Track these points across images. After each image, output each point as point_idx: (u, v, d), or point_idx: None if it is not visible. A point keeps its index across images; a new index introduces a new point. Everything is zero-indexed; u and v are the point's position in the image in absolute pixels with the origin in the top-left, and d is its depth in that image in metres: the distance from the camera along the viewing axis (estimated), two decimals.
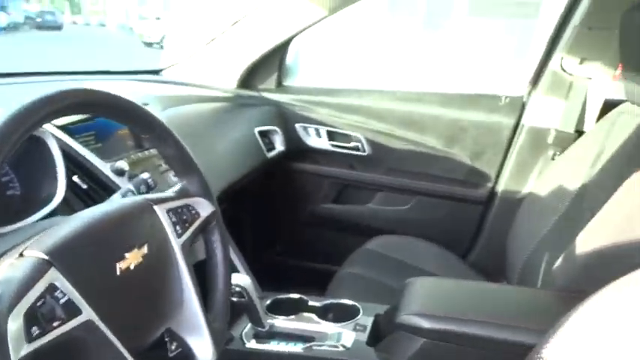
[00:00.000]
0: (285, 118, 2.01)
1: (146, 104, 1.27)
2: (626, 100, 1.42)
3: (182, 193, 0.83)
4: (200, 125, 1.59)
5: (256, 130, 1.84)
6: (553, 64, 1.67)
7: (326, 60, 2.06)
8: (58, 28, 20.05)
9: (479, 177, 1.88)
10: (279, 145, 1.98)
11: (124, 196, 0.85)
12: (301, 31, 1.84)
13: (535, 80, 1.78)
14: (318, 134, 2.02)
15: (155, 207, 0.76)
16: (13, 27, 17.67)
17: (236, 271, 1.31)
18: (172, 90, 1.79)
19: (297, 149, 2.04)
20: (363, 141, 1.96)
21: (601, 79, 1.60)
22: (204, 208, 0.86)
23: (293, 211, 2.10)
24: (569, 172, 1.47)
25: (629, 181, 1.08)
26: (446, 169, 1.91)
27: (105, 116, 0.76)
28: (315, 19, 1.78)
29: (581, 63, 1.60)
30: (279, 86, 2.06)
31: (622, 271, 1.08)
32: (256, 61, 1.93)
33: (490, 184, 1.87)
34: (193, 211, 0.83)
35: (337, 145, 2.01)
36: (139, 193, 0.87)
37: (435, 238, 1.79)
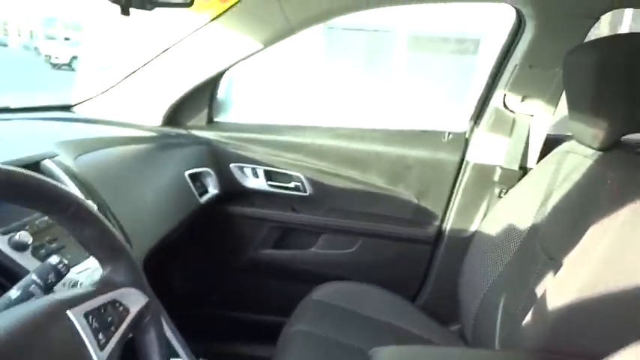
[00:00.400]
0: (218, 158, 1.84)
1: (55, 155, 1.06)
2: (568, 137, 1.42)
3: (106, 286, 0.65)
4: (121, 172, 1.38)
5: (187, 173, 1.65)
6: (495, 100, 1.65)
7: (261, 95, 1.92)
8: None
9: (426, 216, 1.82)
10: (213, 188, 1.80)
11: (24, 294, 0.64)
12: (234, 64, 1.70)
13: (477, 117, 1.75)
14: (255, 174, 1.87)
15: (69, 312, 0.57)
16: None
17: (176, 356, 1.12)
18: (87, 131, 1.56)
19: (233, 191, 1.87)
20: (304, 180, 1.84)
21: (542, 116, 1.61)
22: (136, 300, 0.68)
23: (231, 258, 1.92)
24: (517, 210, 1.44)
25: (594, 231, 1.03)
26: (391, 209, 1.83)
27: None
28: (250, 51, 1.65)
29: (522, 100, 1.60)
30: (210, 123, 1.89)
31: (595, 328, 1.04)
32: (184, 96, 1.75)
33: (437, 223, 1.82)
34: (121, 308, 0.65)
35: (276, 186, 1.87)
36: (46, 286, 0.67)
37: (383, 282, 1.69)
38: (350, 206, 1.86)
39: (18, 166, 0.55)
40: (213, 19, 1.60)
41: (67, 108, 1.77)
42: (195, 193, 1.66)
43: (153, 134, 1.71)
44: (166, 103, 1.76)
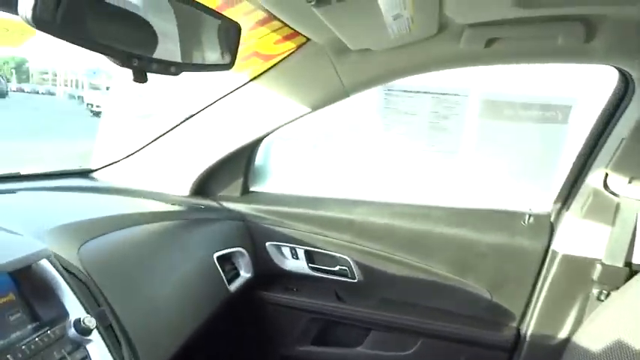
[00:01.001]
0: (253, 235, 1.58)
1: (49, 255, 0.85)
2: None
3: None
4: (136, 261, 1.13)
5: (215, 255, 1.39)
6: (592, 180, 1.35)
7: (304, 162, 1.68)
8: (2, 94, 19.25)
9: (501, 315, 1.49)
10: (245, 271, 1.52)
11: None
12: (276, 129, 1.47)
13: (565, 198, 1.45)
14: (295, 255, 1.59)
15: None
16: None
17: None
18: (102, 205, 1.34)
19: (268, 275, 1.60)
20: (352, 264, 1.55)
21: None
22: None
23: (262, 355, 1.61)
24: (628, 323, 1.10)
25: None
26: (459, 304, 1.51)
27: None
28: (295, 115, 1.41)
29: (630, 182, 1.29)
30: (245, 193, 1.64)
31: None
32: (217, 163, 1.52)
33: (515, 325, 1.48)
34: None
35: (319, 269, 1.59)
36: None
37: None
38: (407, 298, 1.55)
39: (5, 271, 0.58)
40: (253, 78, 1.39)
41: (86, 173, 1.56)
42: (225, 280, 1.39)
43: (179, 208, 1.47)
44: (197, 170, 1.53)
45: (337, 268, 1.57)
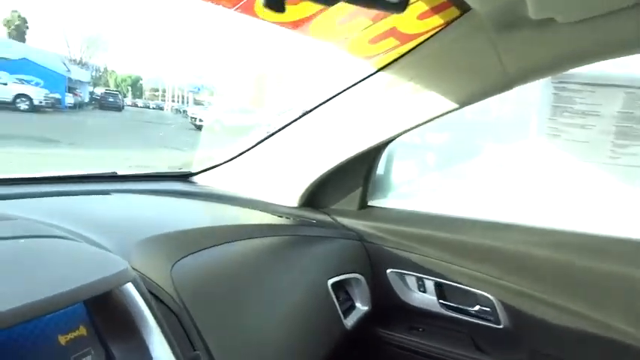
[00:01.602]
0: (372, 259, 1.30)
1: (133, 279, 0.63)
2: None
3: None
4: (237, 285, 0.90)
5: (330, 282, 1.13)
6: None
7: (438, 172, 1.37)
8: (118, 108, 21.09)
9: None
10: (362, 303, 1.25)
11: None
12: (408, 130, 1.19)
13: None
14: (422, 287, 1.29)
15: None
16: (79, 106, 18.82)
17: None
18: (201, 212, 1.14)
19: (388, 309, 1.31)
20: (497, 306, 1.21)
21: None
22: None
23: None
24: None
25: None
26: None
27: None
28: (436, 113, 1.12)
29: None
30: (364, 208, 1.37)
31: None
32: (332, 171, 1.27)
33: None
34: None
35: (452, 307, 1.27)
36: None
37: None
38: (572, 357, 1.18)
39: (77, 300, 0.52)
40: (381, 68, 1.13)
41: (185, 176, 1.39)
42: (341, 313, 1.12)
43: (286, 221, 1.23)
44: (307, 178, 1.29)
45: (477, 308, 1.24)
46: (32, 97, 13.35)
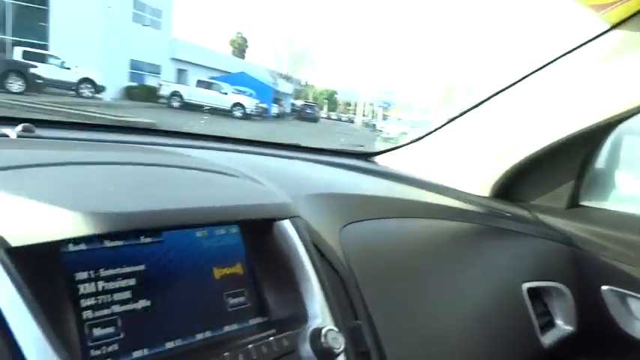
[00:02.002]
0: (582, 269, 1.04)
1: (295, 216, 0.56)
2: None
3: None
4: (412, 264, 0.77)
5: (525, 286, 0.92)
6: None
7: None
8: (314, 120, 22.80)
9: None
10: (564, 321, 1.00)
11: None
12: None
13: None
14: None
15: None
16: (281, 116, 20.91)
17: None
18: (378, 187, 1.04)
19: (601, 335, 1.03)
20: None
21: None
22: None
23: None
24: None
25: None
26: None
27: None
28: None
29: None
30: (574, 207, 1.11)
31: None
32: (532, 157, 1.05)
33: None
34: None
35: None
36: None
37: None
38: None
39: (232, 217, 0.50)
40: (616, 25, 0.88)
41: (365, 156, 1.31)
42: (537, 327, 0.90)
43: (473, 208, 1.05)
44: (502, 166, 1.10)
45: None
46: (245, 106, 15.32)
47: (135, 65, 15.84)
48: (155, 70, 16.96)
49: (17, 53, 12.07)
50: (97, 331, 0.41)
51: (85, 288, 0.42)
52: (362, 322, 0.59)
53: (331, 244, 0.65)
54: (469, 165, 1.16)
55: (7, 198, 0.40)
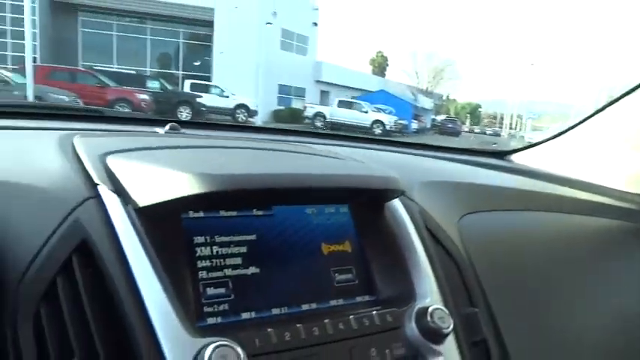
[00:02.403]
0: None
1: (409, 198, 0.62)
2: None
3: None
4: (550, 261, 0.73)
5: None
6: None
7: None
8: (456, 134, 22.03)
9: None
10: None
11: None
12: None
13: None
14: None
15: None
16: (421, 131, 20.65)
17: None
18: (512, 181, 1.01)
19: None
20: None
21: None
22: None
23: None
24: None
25: None
26: None
27: None
28: None
29: None
30: None
31: None
32: None
33: None
34: None
35: None
36: None
37: None
38: None
39: (336, 183, 0.50)
40: None
41: (501, 154, 1.27)
42: None
43: (620, 204, 0.96)
44: None
45: None
46: (385, 122, 15.45)
47: (282, 90, 17.09)
48: (300, 93, 18.09)
49: (186, 85, 13.85)
50: (210, 291, 0.44)
51: (202, 251, 0.45)
52: (480, 311, 0.57)
53: (449, 231, 0.64)
54: (615, 160, 1.05)
55: (140, 169, 0.45)
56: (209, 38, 16.48)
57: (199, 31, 16.98)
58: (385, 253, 0.54)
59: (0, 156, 0.54)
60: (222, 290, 0.45)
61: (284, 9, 16.56)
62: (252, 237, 0.48)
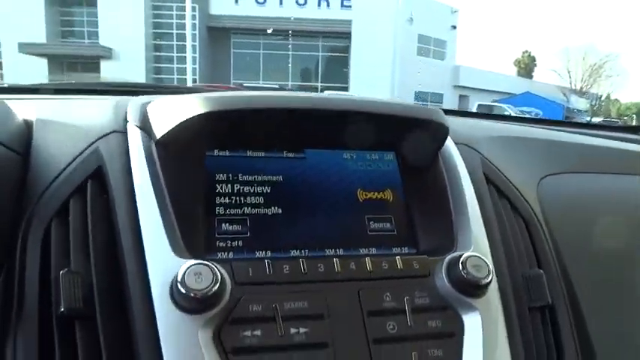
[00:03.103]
0: None
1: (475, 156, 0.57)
2: None
3: None
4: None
5: None
6: None
7: None
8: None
9: None
10: None
11: None
12: None
13: None
14: None
15: None
16: None
17: None
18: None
19: None
20: None
21: None
22: None
23: None
24: None
25: None
26: None
27: None
28: None
29: None
30: None
31: None
32: None
33: None
34: None
35: None
36: None
37: None
38: None
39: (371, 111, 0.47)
40: None
41: (634, 129, 1.13)
42: None
43: None
44: None
45: None
46: None
47: (419, 96, 16.88)
48: (437, 99, 17.64)
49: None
50: (226, 227, 0.44)
51: (222, 188, 0.45)
52: (545, 274, 0.51)
53: (523, 189, 0.58)
54: None
55: (171, 109, 0.45)
56: (346, 49, 16.98)
57: (338, 43, 17.59)
58: (431, 204, 0.50)
59: (59, 108, 0.57)
60: (238, 227, 0.44)
61: (421, 14, 16.39)
62: (279, 178, 0.47)
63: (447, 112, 0.75)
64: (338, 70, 17.41)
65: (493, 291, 0.44)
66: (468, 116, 0.98)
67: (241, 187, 0.46)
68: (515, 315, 0.46)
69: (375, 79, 14.98)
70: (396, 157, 0.52)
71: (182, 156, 0.45)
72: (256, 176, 0.47)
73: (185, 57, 13.11)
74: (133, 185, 0.42)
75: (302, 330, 0.39)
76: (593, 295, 0.55)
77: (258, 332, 0.38)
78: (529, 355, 0.45)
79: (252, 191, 0.46)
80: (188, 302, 0.36)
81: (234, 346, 0.37)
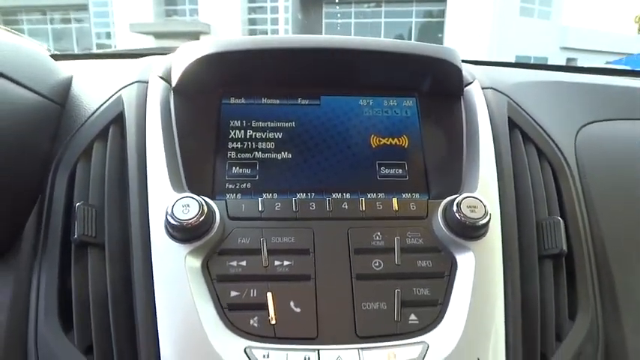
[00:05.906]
0: None
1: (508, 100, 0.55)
2: None
3: None
4: None
5: None
6: None
7: None
8: None
9: None
10: None
11: None
12: None
13: None
14: None
15: None
16: None
17: None
18: None
19: None
20: None
21: None
22: None
23: None
24: None
25: None
26: None
27: None
28: None
29: None
30: None
31: None
32: None
33: None
34: None
35: None
36: None
37: None
38: None
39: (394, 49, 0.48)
40: None
41: None
42: None
43: None
44: None
45: None
46: None
47: (520, 61, 15.71)
48: (541, 62, 16.33)
49: None
50: (236, 170, 0.47)
51: (235, 134, 0.48)
52: (570, 224, 0.49)
53: (555, 134, 0.55)
54: None
55: (178, 55, 0.49)
56: (442, 13, 16.23)
57: (432, 7, 16.87)
58: (446, 149, 0.50)
59: (99, 66, 0.62)
60: (247, 170, 0.47)
61: None
62: (291, 124, 0.49)
63: (482, 63, 0.70)
64: (432, 36, 16.74)
65: (494, 234, 0.43)
66: (512, 67, 0.90)
67: (254, 133, 0.49)
68: (518, 259, 0.45)
69: (472, 44, 14.22)
70: (417, 102, 0.52)
71: (198, 103, 0.48)
72: (269, 122, 0.49)
73: (278, 30, 13.36)
74: (145, 128, 0.46)
75: (286, 263, 0.41)
76: (626, 252, 0.53)
77: (243, 263, 0.41)
78: (531, 303, 0.44)
79: (264, 137, 0.49)
80: (177, 231, 0.40)
81: (219, 273, 0.40)
